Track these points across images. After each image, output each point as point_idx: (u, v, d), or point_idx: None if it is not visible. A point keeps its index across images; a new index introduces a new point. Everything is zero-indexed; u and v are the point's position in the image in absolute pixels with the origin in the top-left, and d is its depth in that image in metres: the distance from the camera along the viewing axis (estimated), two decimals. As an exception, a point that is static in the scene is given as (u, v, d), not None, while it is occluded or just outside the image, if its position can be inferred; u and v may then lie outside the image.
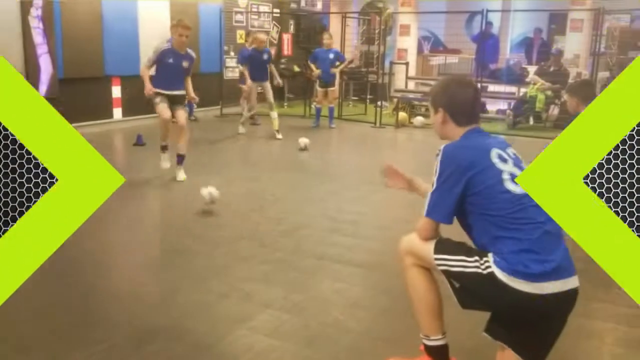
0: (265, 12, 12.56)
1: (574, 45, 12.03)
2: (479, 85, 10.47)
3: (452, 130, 2.34)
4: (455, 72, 14.73)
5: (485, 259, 2.13)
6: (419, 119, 10.79)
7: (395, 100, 11.53)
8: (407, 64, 12.84)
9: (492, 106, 11.83)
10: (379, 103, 10.80)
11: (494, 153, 2.18)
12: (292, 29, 13.36)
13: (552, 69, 10.47)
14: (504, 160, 2.19)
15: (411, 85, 13.24)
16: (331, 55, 9.99)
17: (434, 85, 2.46)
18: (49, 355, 2.74)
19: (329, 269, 3.85)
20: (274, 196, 5.68)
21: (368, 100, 12.40)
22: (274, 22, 12.82)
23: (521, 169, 2.20)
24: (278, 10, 12.85)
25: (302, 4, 13.74)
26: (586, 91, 4.96)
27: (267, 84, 9.15)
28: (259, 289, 3.48)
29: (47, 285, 3.51)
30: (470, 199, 2.18)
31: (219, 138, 9.21)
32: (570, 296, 2.09)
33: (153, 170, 6.36)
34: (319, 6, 14.39)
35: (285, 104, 12.63)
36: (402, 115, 10.78)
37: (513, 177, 2.14)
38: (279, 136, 8.88)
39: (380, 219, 5.11)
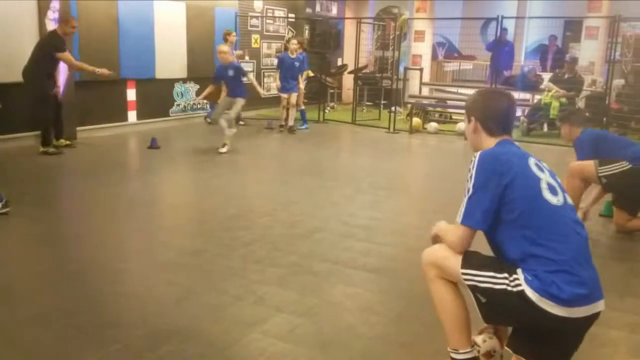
0: (281, 17, 12.61)
1: (589, 53, 11.96)
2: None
3: (484, 141, 2.31)
4: (470, 79, 14.72)
5: (515, 276, 2.08)
6: (432, 125, 10.77)
7: (409, 105, 11.52)
8: (421, 69, 12.84)
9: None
10: (392, 108, 10.81)
11: (532, 161, 2.16)
12: (307, 33, 13.40)
13: (566, 76, 10.41)
14: (541, 170, 2.16)
15: (425, 91, 13.23)
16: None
17: (470, 95, 2.47)
18: (59, 357, 2.75)
19: (343, 273, 3.86)
20: (288, 200, 5.70)
21: (382, 106, 12.41)
22: (289, 26, 12.86)
23: (556, 181, 2.17)
24: (293, 15, 12.90)
25: (317, 8, 13.79)
26: (577, 117, 5.10)
27: (235, 100, 8.06)
28: (272, 292, 3.49)
29: (55, 288, 3.55)
30: (507, 207, 2.10)
31: (233, 142, 9.25)
32: (594, 317, 2.09)
33: (167, 173, 6.41)
34: (334, 11, 14.44)
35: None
36: (416, 121, 10.77)
37: (550, 186, 2.10)
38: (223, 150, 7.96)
39: (394, 224, 5.11)
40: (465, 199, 2.15)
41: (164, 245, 4.43)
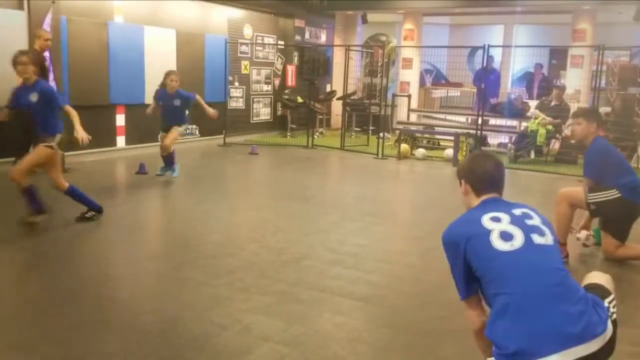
0: (270, 44, 12.73)
1: (574, 81, 12.14)
2: (478, 133, 10.60)
3: (472, 201, 2.45)
4: (457, 105, 14.88)
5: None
6: (420, 151, 10.83)
7: (397, 132, 11.59)
8: (409, 96, 12.96)
9: (493, 140, 11.90)
10: (381, 134, 10.87)
11: (486, 218, 2.25)
12: (296, 60, 13.51)
13: (553, 103, 10.53)
14: (497, 220, 2.23)
15: (413, 117, 13.33)
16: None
17: (459, 162, 2.74)
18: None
19: (330, 301, 3.82)
20: (275, 226, 5.67)
21: (370, 132, 12.48)
22: (278, 53, 12.97)
23: (518, 224, 2.22)
24: (283, 42, 13.02)
25: (307, 36, 13.93)
26: (597, 116, 5.10)
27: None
28: (259, 321, 3.45)
29: (36, 317, 3.49)
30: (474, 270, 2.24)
31: (222, 167, 9.25)
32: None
33: (155, 199, 6.37)
34: (322, 38, 14.58)
35: (288, 134, 12.73)
36: (404, 147, 10.83)
37: (503, 234, 2.18)
38: None
39: (382, 251, 5.09)
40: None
41: (148, 273, 4.37)
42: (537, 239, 2.18)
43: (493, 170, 2.46)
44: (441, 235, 2.36)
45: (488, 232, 2.18)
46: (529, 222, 2.24)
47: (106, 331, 3.31)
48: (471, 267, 2.20)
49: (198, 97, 7.85)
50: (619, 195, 4.71)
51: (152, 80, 9.68)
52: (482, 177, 2.44)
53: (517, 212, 2.30)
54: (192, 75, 10.55)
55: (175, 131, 7.59)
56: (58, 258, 4.63)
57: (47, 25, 7.88)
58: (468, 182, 2.46)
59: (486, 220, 2.23)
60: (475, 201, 2.43)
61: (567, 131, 5.27)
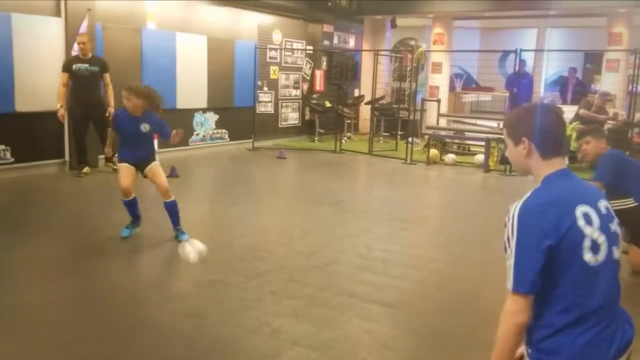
0: (299, 49, 12.79)
1: (610, 86, 11.90)
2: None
3: (537, 164, 1.95)
4: (488, 110, 14.70)
5: None
6: (450, 157, 10.75)
7: (426, 137, 11.53)
8: (438, 101, 12.87)
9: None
10: (409, 139, 10.82)
11: (580, 212, 1.82)
12: (324, 65, 13.55)
13: (593, 108, 10.30)
14: (590, 222, 1.83)
15: (443, 122, 13.24)
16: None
17: (511, 114, 2.11)
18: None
19: (359, 307, 3.82)
20: (303, 230, 5.69)
21: (399, 137, 12.43)
22: (307, 58, 13.04)
23: (606, 232, 1.85)
24: (311, 47, 13.08)
25: (335, 41, 13.97)
26: (599, 131, 5.04)
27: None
28: (287, 325, 3.47)
29: (72, 318, 3.57)
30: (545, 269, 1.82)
31: (250, 171, 9.32)
32: None
33: (186, 202, 6.44)
34: (351, 43, 14.60)
35: (316, 138, 12.77)
36: (433, 152, 10.76)
37: (593, 244, 1.81)
38: None
39: (410, 257, 5.07)
40: (509, 265, 1.82)
41: (179, 275, 4.44)
42: (615, 253, 1.87)
43: (562, 126, 1.99)
44: (518, 209, 1.81)
45: (583, 238, 1.80)
46: (612, 227, 1.89)
47: (138, 332, 3.37)
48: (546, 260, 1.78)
49: (175, 132, 5.32)
50: (637, 204, 4.58)
51: (183, 85, 9.88)
52: (553, 136, 1.94)
53: (602, 207, 1.90)
54: (222, 81, 10.69)
55: (160, 168, 5.42)
56: (92, 261, 4.73)
57: (83, 31, 8.08)
58: (533, 141, 1.93)
59: (580, 215, 1.81)
60: (543, 166, 1.94)
61: (578, 155, 5.07)
